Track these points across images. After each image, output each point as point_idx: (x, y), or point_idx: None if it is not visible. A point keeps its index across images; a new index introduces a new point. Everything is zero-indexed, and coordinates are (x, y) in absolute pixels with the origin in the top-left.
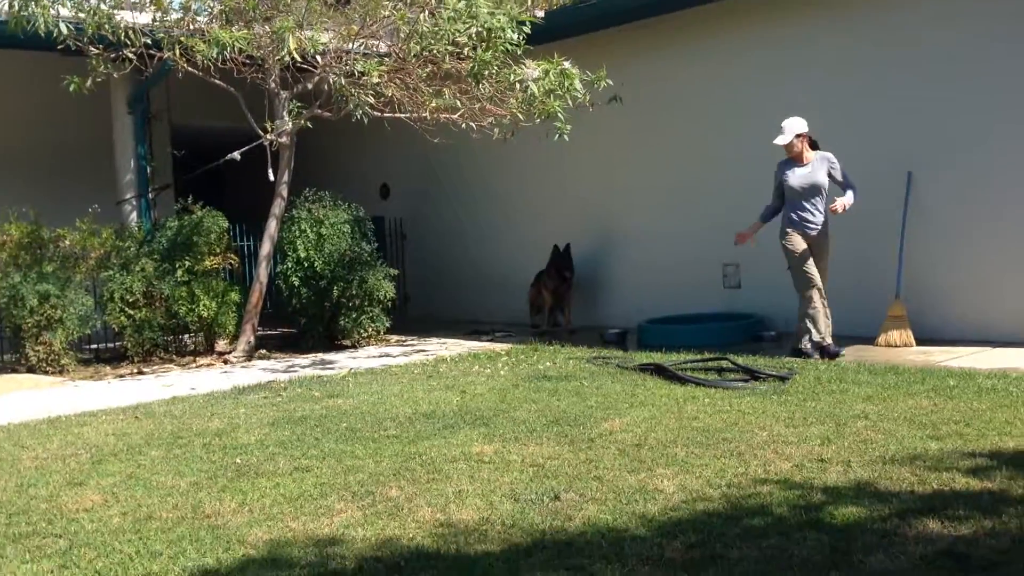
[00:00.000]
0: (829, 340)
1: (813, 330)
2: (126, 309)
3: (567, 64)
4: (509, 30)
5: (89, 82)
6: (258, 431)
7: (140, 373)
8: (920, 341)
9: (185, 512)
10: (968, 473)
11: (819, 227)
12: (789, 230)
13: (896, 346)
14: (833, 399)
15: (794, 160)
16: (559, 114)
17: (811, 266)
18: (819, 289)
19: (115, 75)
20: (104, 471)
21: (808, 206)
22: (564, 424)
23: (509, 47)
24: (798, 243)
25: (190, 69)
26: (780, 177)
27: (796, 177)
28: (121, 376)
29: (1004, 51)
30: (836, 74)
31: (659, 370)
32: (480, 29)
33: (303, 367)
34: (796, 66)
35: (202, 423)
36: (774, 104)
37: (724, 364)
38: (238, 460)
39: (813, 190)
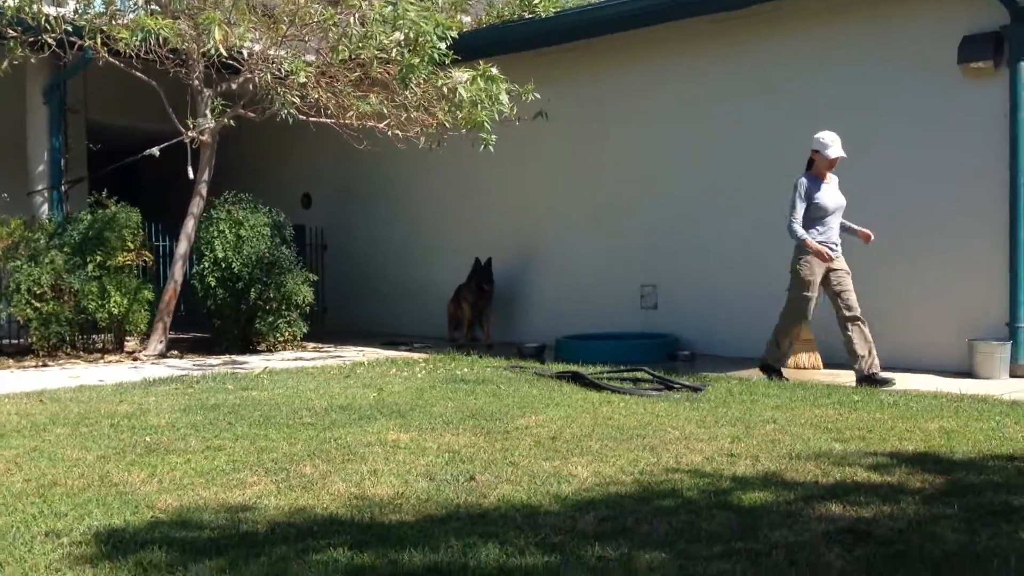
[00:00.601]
0: (783, 366)
1: (774, 351)
2: (32, 302)
3: (494, 70)
4: (436, 36)
5: (5, 64)
6: (169, 415)
7: (45, 366)
8: (828, 365)
9: (91, 480)
10: (869, 468)
11: (839, 247)
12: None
13: (804, 368)
14: (743, 407)
15: (818, 177)
16: (485, 123)
17: (812, 299)
18: (805, 326)
19: (32, 60)
20: (6, 444)
21: (835, 225)
22: (480, 419)
23: (436, 54)
24: (815, 270)
25: (111, 59)
26: (811, 194)
27: (828, 195)
28: (24, 367)
29: (911, 83)
30: (755, 99)
31: (576, 377)
32: (407, 33)
33: (216, 366)
34: (717, 92)
35: (110, 407)
36: (695, 128)
37: (640, 375)
38: (147, 439)
39: (840, 209)
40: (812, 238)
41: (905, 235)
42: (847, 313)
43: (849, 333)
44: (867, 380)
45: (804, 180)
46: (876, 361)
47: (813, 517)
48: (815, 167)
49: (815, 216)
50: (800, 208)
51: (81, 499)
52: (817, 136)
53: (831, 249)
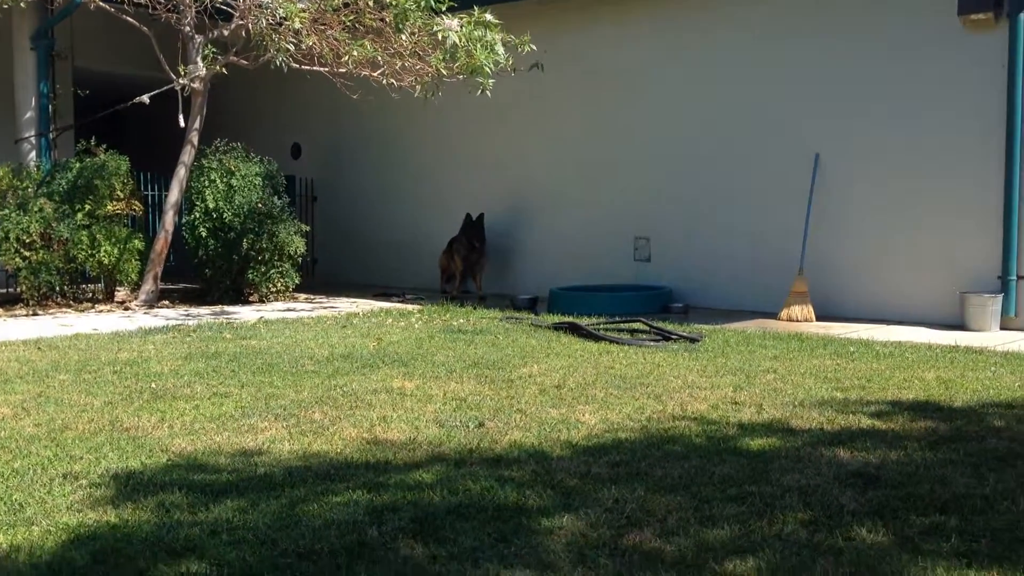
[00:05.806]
0: None
1: None
2: (22, 250)
3: (488, 16)
4: None
5: None
6: (171, 363)
7: (35, 315)
8: (820, 318)
9: (102, 425)
10: (872, 416)
11: None
12: None
13: (797, 320)
14: (742, 357)
15: None
16: (485, 67)
17: None
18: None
19: (21, 4)
20: (11, 390)
21: None
22: (483, 367)
23: (432, 2)
24: None
25: (101, 3)
26: None
27: None
28: (15, 316)
29: (909, 35)
30: (751, 55)
31: (573, 328)
32: None
33: (209, 316)
34: (712, 46)
35: (110, 355)
36: (691, 82)
37: (636, 326)
38: (153, 385)
39: None
40: None
41: (899, 187)
42: None
43: None
44: None
45: None
46: None
47: (822, 462)
48: None
49: None
50: None
51: (94, 443)
52: None
53: None
